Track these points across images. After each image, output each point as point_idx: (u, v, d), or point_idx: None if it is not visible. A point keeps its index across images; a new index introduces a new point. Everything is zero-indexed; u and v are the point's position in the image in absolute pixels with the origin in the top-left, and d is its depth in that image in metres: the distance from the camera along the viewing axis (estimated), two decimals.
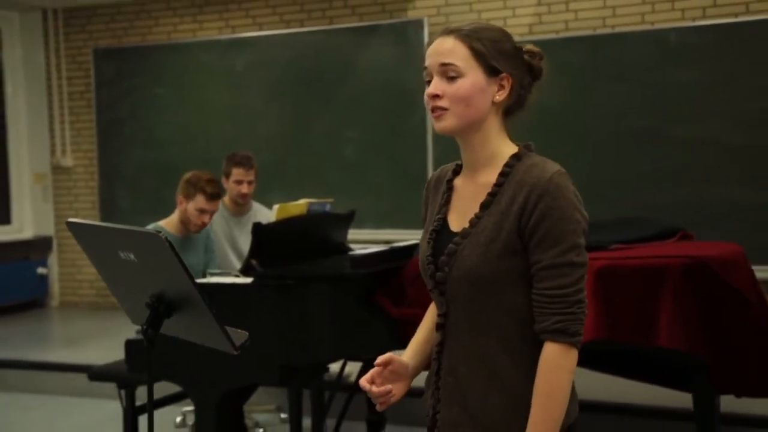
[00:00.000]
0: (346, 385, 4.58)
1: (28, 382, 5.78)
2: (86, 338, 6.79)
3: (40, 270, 8.24)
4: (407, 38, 6.81)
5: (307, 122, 7.13)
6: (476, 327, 1.77)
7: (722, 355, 3.19)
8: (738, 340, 3.21)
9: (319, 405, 3.53)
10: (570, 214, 1.69)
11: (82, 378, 5.21)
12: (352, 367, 4.58)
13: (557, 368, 1.69)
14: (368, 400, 4.40)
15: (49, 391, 5.68)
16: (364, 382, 1.87)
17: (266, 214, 4.65)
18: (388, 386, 1.86)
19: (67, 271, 8.41)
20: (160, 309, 1.99)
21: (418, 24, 6.76)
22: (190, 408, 4.57)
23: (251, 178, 4.59)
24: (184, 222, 4.05)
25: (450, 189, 1.89)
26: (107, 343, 6.32)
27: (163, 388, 3.61)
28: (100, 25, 8.13)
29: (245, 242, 4.47)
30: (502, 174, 1.78)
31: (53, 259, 8.42)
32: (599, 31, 6.37)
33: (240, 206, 4.62)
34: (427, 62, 1.79)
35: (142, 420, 3.91)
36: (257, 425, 4.64)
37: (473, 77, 1.75)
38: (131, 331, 3.77)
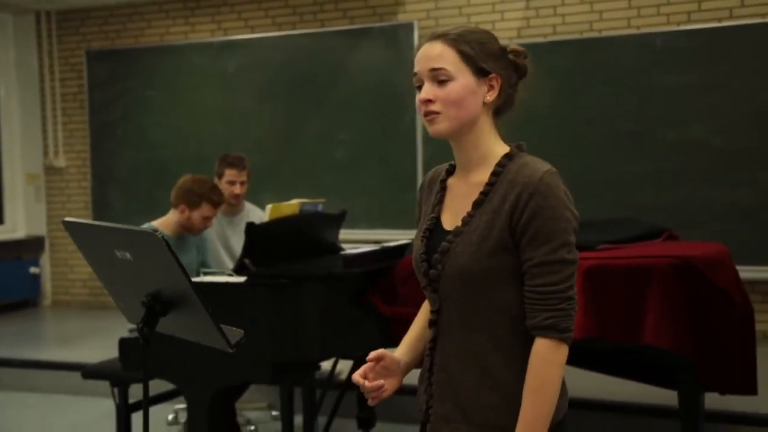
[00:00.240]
0: (337, 383, 4.58)
1: (22, 381, 5.76)
2: (79, 337, 6.77)
3: (33, 269, 8.21)
4: (398, 41, 6.82)
5: (299, 124, 7.13)
6: (468, 324, 1.78)
7: (707, 353, 3.20)
8: (723, 339, 3.22)
9: (310, 403, 3.54)
10: (560, 212, 1.70)
11: (75, 376, 5.20)
12: (343, 366, 4.59)
13: (547, 363, 1.70)
14: (359, 398, 4.41)
15: (42, 389, 5.67)
16: (356, 376, 1.88)
17: (259, 215, 4.65)
18: (380, 381, 1.86)
19: (59, 270, 8.39)
20: (155, 307, 1.98)
21: (408, 27, 6.77)
22: (183, 406, 4.56)
23: (244, 178, 4.59)
24: (186, 227, 4.05)
25: (443, 189, 1.91)
26: (100, 341, 6.31)
27: (156, 385, 3.60)
28: (93, 28, 8.11)
29: (237, 242, 4.47)
30: (494, 173, 1.79)
31: (45, 258, 8.39)
32: (586, 35, 6.39)
33: (232, 206, 4.62)
34: (417, 68, 1.81)
35: (135, 417, 3.91)
36: (249, 423, 4.64)
37: (463, 80, 1.76)
38: (123, 329, 3.77)
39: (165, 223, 4.07)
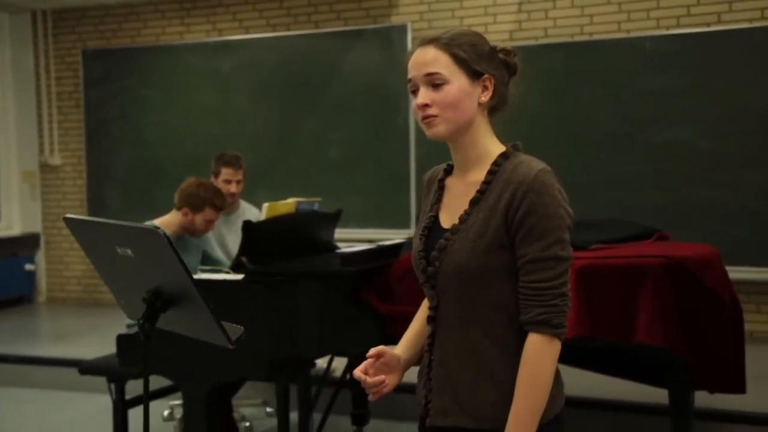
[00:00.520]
0: (332, 380, 4.57)
1: (18, 377, 5.73)
2: (74, 333, 6.74)
3: (28, 266, 8.18)
4: (391, 43, 6.81)
5: (294, 124, 7.11)
6: (466, 320, 1.78)
7: (697, 352, 3.22)
8: (712, 338, 3.24)
9: (305, 400, 3.52)
10: (554, 210, 1.71)
11: (71, 372, 5.17)
12: (338, 363, 4.58)
13: (539, 358, 1.71)
14: (353, 395, 4.41)
15: (39, 385, 5.64)
16: (358, 372, 1.87)
17: (254, 213, 4.64)
18: (382, 377, 1.87)
19: (54, 267, 8.35)
20: (156, 304, 1.97)
21: (402, 29, 6.77)
22: (178, 402, 4.55)
23: (240, 177, 4.58)
24: (188, 229, 4.02)
25: (441, 188, 1.92)
26: (95, 338, 6.29)
27: (151, 382, 3.59)
28: (89, 27, 8.07)
29: (233, 240, 4.46)
30: (490, 172, 1.80)
31: (41, 255, 8.35)
32: (577, 39, 6.39)
33: (228, 205, 4.59)
34: (411, 74, 1.81)
35: (132, 413, 3.89)
36: (243, 419, 4.63)
37: (458, 83, 1.78)
38: (118, 326, 3.76)
39: (166, 222, 4.04)
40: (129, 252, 1.96)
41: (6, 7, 8.01)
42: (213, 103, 7.40)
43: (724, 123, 5.89)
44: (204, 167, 4.68)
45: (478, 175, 1.82)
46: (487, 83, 1.81)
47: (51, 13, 8.18)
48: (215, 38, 7.51)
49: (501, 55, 1.85)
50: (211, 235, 4.34)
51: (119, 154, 7.80)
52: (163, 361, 3.17)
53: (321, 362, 4.34)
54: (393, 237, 5.21)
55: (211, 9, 7.59)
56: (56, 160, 8.23)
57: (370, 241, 4.41)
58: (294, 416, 3.54)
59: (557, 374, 1.80)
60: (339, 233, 4.16)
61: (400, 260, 3.46)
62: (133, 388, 3.95)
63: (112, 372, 3.79)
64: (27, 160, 8.28)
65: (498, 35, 6.41)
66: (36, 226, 8.35)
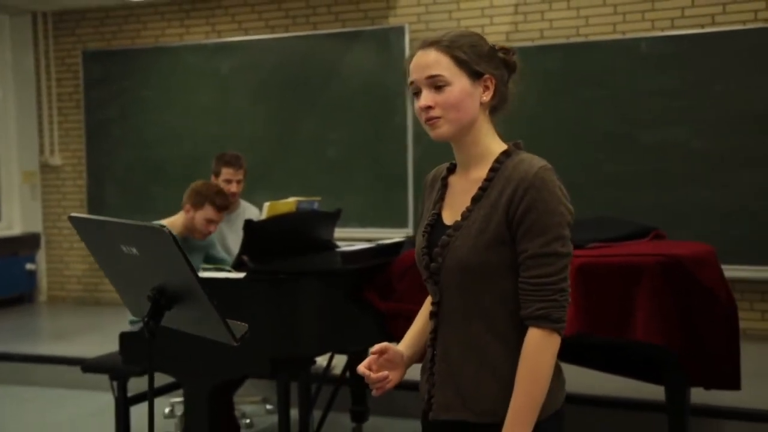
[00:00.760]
0: (332, 377, 4.56)
1: (20, 375, 5.72)
2: (75, 332, 6.73)
3: (29, 266, 8.16)
4: (389, 44, 6.81)
5: (292, 124, 7.11)
6: (468, 315, 1.79)
7: (694, 349, 3.22)
8: (708, 336, 3.24)
9: (306, 397, 3.52)
10: (554, 206, 1.72)
11: (72, 370, 5.19)
12: (338, 360, 4.58)
13: (539, 352, 1.72)
14: (353, 392, 4.41)
15: (40, 383, 5.63)
16: (362, 368, 1.88)
17: (254, 212, 4.64)
18: (385, 372, 1.88)
19: (54, 267, 8.33)
20: (161, 301, 1.97)
21: (400, 30, 6.76)
22: (179, 399, 4.54)
23: (240, 177, 4.57)
24: (189, 228, 4.02)
25: (444, 186, 1.93)
26: (95, 337, 6.29)
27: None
28: (89, 29, 8.06)
29: (233, 239, 4.46)
30: (492, 170, 1.81)
31: (41, 255, 8.33)
32: (573, 40, 6.40)
33: (229, 205, 4.59)
34: (413, 76, 1.82)
35: (134, 411, 3.88)
36: (244, 416, 4.62)
37: (460, 84, 1.78)
38: (118, 325, 3.75)
39: (171, 223, 4.03)
40: (134, 250, 1.95)
41: (6, 8, 7.99)
42: (212, 104, 7.39)
43: (718, 123, 5.90)
44: (203, 167, 4.67)
45: (481, 172, 1.83)
46: (488, 83, 1.82)
47: (51, 14, 8.17)
48: (214, 40, 7.50)
49: (500, 54, 1.86)
50: (215, 238, 4.32)
51: (119, 154, 7.79)
52: (165, 358, 3.17)
53: (321, 360, 4.34)
54: (391, 236, 5.21)
55: (210, 11, 7.59)
56: (56, 160, 8.22)
57: (368, 240, 4.41)
58: (294, 413, 3.54)
59: (558, 370, 1.81)
60: (337, 232, 4.16)
61: (401, 258, 3.46)
62: (135, 385, 3.95)
63: (115, 370, 3.79)
64: (27, 160, 8.27)
65: (495, 37, 6.41)
66: (36, 226, 8.34)
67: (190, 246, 4.06)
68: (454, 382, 1.81)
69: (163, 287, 1.97)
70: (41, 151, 8.29)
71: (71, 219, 2.06)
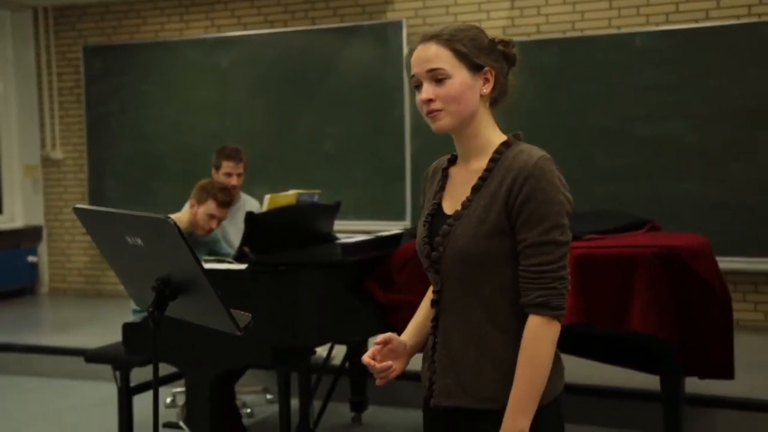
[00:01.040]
0: (331, 367, 4.57)
1: (23, 365, 5.72)
2: (77, 323, 6.73)
3: (31, 258, 8.16)
4: (386, 39, 6.80)
5: (291, 118, 7.10)
6: (469, 304, 1.80)
7: (689, 339, 3.23)
8: (702, 326, 3.25)
9: (306, 387, 3.53)
10: (553, 195, 1.73)
11: (75, 361, 5.18)
12: (337, 351, 4.58)
13: (539, 340, 1.72)
14: (352, 383, 4.42)
15: (43, 373, 5.63)
16: (366, 358, 1.88)
17: (254, 205, 4.64)
18: (389, 362, 1.88)
19: (56, 259, 8.33)
20: (165, 292, 1.97)
21: (397, 25, 6.76)
22: (180, 389, 4.55)
23: (240, 170, 4.57)
24: (193, 224, 4.01)
25: (445, 177, 1.93)
26: (97, 328, 6.29)
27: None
28: (90, 24, 8.04)
29: (234, 231, 4.46)
30: (492, 160, 1.82)
31: (43, 247, 8.33)
32: (569, 35, 6.40)
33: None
34: (415, 70, 1.83)
35: (137, 400, 3.89)
36: (244, 405, 4.63)
37: (460, 77, 1.79)
38: (119, 316, 3.75)
39: (177, 219, 4.01)
40: (139, 241, 1.95)
41: (8, 4, 7.97)
42: (212, 98, 7.38)
43: (713, 117, 5.91)
44: (203, 161, 4.66)
45: (481, 163, 1.84)
46: (488, 75, 1.82)
47: (52, 10, 8.15)
48: (214, 34, 7.49)
49: (500, 47, 1.86)
50: (219, 234, 4.32)
51: (119, 148, 7.78)
52: (168, 348, 3.17)
53: (321, 350, 4.35)
54: (389, 229, 5.21)
55: (209, 6, 7.57)
56: (58, 154, 8.21)
57: (365, 232, 4.41)
58: (294, 403, 3.54)
59: (557, 357, 1.82)
60: (336, 225, 4.16)
61: (401, 250, 3.47)
62: (137, 376, 3.95)
63: (118, 360, 3.79)
64: (29, 154, 8.26)
65: (491, 32, 6.23)
66: (38, 219, 8.33)
67: (195, 241, 4.06)
68: (454, 369, 1.82)
69: (167, 278, 1.96)
70: (42, 145, 8.28)
71: (76, 210, 2.06)
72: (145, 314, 3.18)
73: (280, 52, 7.13)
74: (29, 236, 8.23)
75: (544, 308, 1.72)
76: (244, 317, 1.95)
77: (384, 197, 6.79)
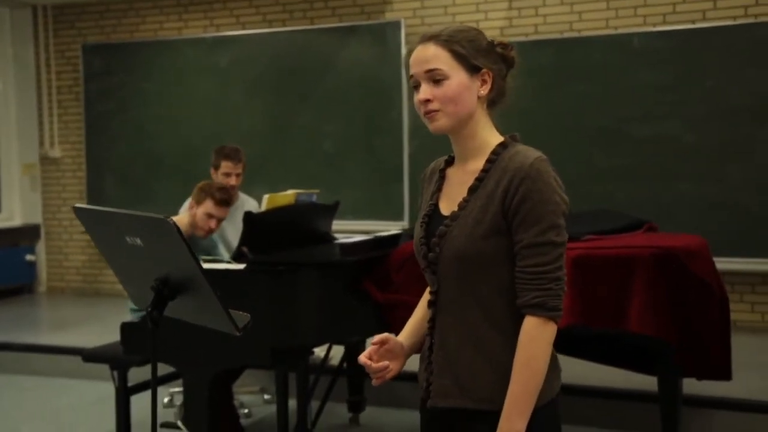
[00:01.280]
0: (329, 368, 4.56)
1: (21, 364, 5.71)
2: (74, 322, 6.72)
3: (29, 257, 8.15)
4: (385, 39, 6.79)
5: (289, 118, 7.09)
6: (465, 304, 1.80)
7: (686, 340, 3.23)
8: (700, 327, 3.25)
9: (303, 387, 3.52)
10: (549, 196, 1.73)
11: (73, 360, 5.17)
12: (335, 351, 4.58)
13: (535, 340, 1.72)
14: (350, 383, 4.41)
15: (41, 372, 5.62)
16: (363, 358, 1.89)
17: (253, 205, 4.63)
18: (386, 362, 1.88)
19: (54, 258, 8.32)
20: (164, 292, 1.96)
21: (396, 25, 6.75)
22: (178, 389, 4.54)
23: (239, 170, 4.55)
24: (192, 225, 4.00)
25: (442, 178, 1.93)
26: (94, 327, 6.27)
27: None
28: (89, 22, 8.02)
29: (232, 231, 4.44)
30: (488, 161, 1.82)
31: (41, 246, 8.32)
32: (566, 35, 6.40)
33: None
34: (413, 70, 1.83)
35: (134, 400, 3.88)
36: (242, 405, 4.61)
37: (458, 78, 1.79)
38: (117, 315, 3.74)
39: (177, 221, 4.00)
40: (138, 241, 1.94)
41: (7, 2, 7.96)
42: (210, 97, 7.37)
43: (710, 117, 5.91)
44: (202, 159, 4.65)
45: (478, 164, 1.84)
46: (486, 77, 1.82)
47: (51, 8, 8.13)
48: (212, 33, 7.48)
49: (499, 49, 1.86)
50: (218, 239, 4.31)
51: (118, 146, 7.76)
52: (166, 348, 3.16)
53: (319, 351, 4.35)
54: (386, 229, 5.21)
55: (208, 5, 7.56)
56: (56, 152, 8.19)
57: (363, 232, 4.40)
58: (292, 403, 3.54)
59: (554, 358, 1.81)
60: (334, 225, 4.15)
61: (399, 250, 3.46)
62: (134, 375, 3.94)
63: (116, 359, 3.78)
64: (28, 152, 8.25)
65: (489, 32, 6.26)
66: (36, 217, 8.31)
67: (194, 245, 4.05)
68: (451, 370, 1.81)
69: (166, 278, 1.96)
70: (41, 144, 8.27)
71: (75, 210, 2.05)
72: (142, 313, 3.18)
73: (279, 52, 7.12)
74: (27, 235, 8.22)
75: (541, 309, 1.72)
76: (242, 317, 1.95)
77: (382, 197, 6.78)
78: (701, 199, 5.92)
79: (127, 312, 4.13)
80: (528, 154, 1.77)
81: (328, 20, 7.11)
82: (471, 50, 1.80)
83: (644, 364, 3.54)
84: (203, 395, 3.21)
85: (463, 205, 1.81)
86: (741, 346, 4.03)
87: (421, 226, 1.89)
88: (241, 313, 1.94)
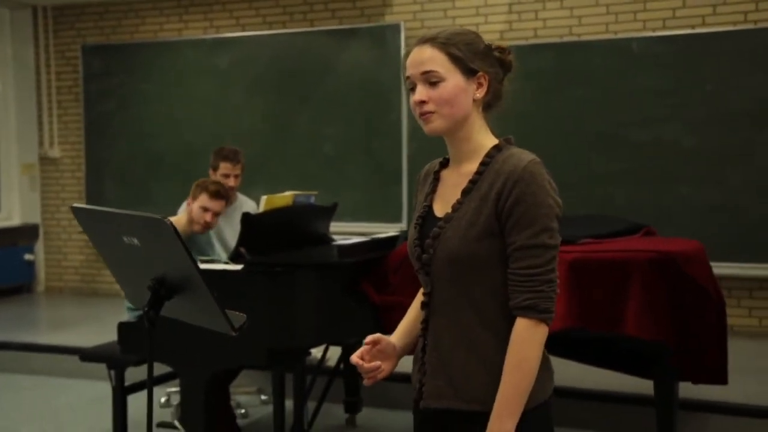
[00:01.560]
0: (326, 369, 4.57)
1: (19, 363, 5.71)
2: (73, 322, 6.72)
3: (27, 256, 8.15)
4: (385, 41, 6.80)
5: (288, 119, 7.10)
6: (459, 305, 1.80)
7: (682, 344, 3.23)
8: (697, 331, 3.25)
9: (300, 388, 3.52)
10: (542, 199, 1.74)
11: (71, 359, 5.18)
12: (332, 352, 4.58)
13: (526, 342, 1.73)
14: (347, 384, 4.42)
15: (39, 371, 5.62)
16: (355, 358, 1.89)
17: (251, 206, 4.63)
18: (377, 362, 1.89)
19: (52, 257, 8.32)
20: (161, 292, 1.97)
21: (395, 28, 6.76)
22: (175, 389, 4.54)
23: (238, 172, 4.56)
24: (190, 222, 4.01)
25: (437, 180, 1.94)
26: (93, 326, 6.27)
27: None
28: (89, 23, 8.03)
29: (230, 233, 4.45)
30: (482, 163, 1.83)
31: (40, 246, 8.32)
32: (566, 39, 6.40)
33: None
34: (409, 72, 1.84)
35: (131, 399, 3.88)
36: (239, 406, 4.62)
37: (454, 80, 1.80)
38: (115, 315, 3.74)
39: (176, 221, 4.01)
40: (135, 241, 1.95)
41: (7, 3, 7.96)
42: (210, 99, 7.37)
43: (709, 122, 5.91)
44: (201, 160, 4.65)
45: (472, 166, 1.84)
46: (482, 80, 1.83)
47: (51, 9, 8.14)
48: (212, 35, 7.49)
49: (496, 53, 1.87)
50: (214, 238, 4.31)
51: (117, 147, 7.77)
52: (163, 348, 3.15)
53: (315, 352, 4.35)
54: (385, 230, 5.20)
55: (208, 6, 7.57)
56: (56, 152, 8.20)
57: (361, 234, 4.41)
58: (289, 404, 3.54)
59: (546, 360, 1.82)
60: (332, 227, 4.16)
61: (397, 251, 3.46)
62: (132, 375, 3.94)
63: (113, 359, 3.78)
64: (27, 152, 8.25)
65: (489, 35, 6.39)
66: (35, 217, 8.32)
67: (192, 244, 4.05)
68: (445, 371, 1.82)
69: (163, 278, 1.96)
70: (40, 144, 8.27)
71: (73, 209, 2.06)
72: (139, 313, 3.18)
73: (279, 54, 7.13)
74: (26, 234, 8.22)
75: (532, 311, 1.73)
76: (239, 318, 1.95)
77: (381, 199, 6.79)
78: (700, 204, 5.93)
79: (124, 311, 4.14)
80: (522, 156, 1.78)
81: (327, 22, 7.12)
82: (468, 53, 1.81)
83: (640, 368, 3.54)
84: (200, 395, 3.22)
85: (456, 207, 1.81)
86: (738, 351, 4.03)
87: (415, 228, 1.90)
88: (237, 313, 1.95)
